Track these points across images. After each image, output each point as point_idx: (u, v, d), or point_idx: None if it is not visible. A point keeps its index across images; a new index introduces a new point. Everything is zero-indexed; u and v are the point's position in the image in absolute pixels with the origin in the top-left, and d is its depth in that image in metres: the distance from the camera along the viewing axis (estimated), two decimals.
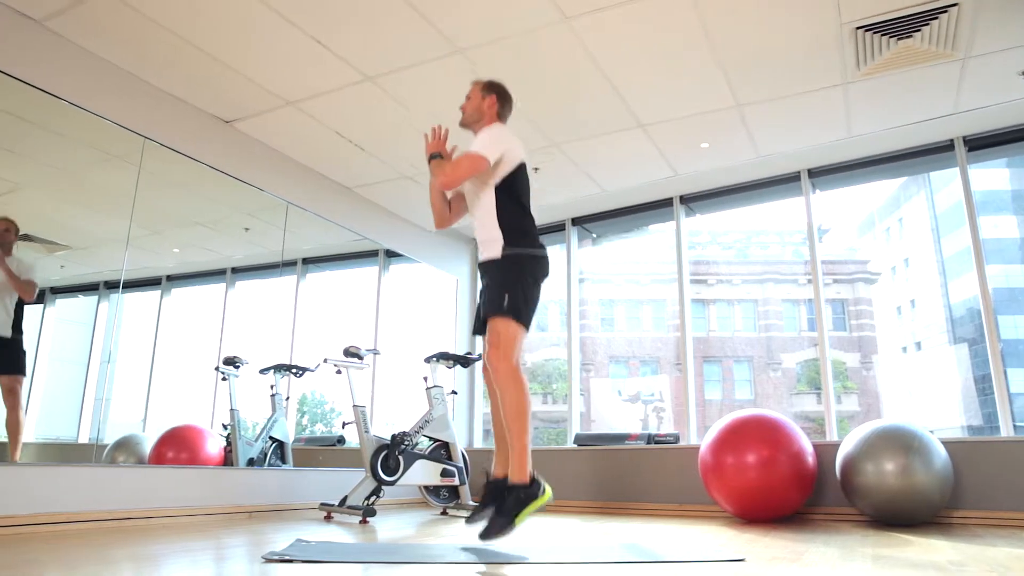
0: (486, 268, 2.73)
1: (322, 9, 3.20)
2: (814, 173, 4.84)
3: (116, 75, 3.67)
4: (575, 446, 5.27)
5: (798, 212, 4.90)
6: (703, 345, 14.98)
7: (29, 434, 4.94)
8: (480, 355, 5.55)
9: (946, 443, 3.70)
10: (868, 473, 3.58)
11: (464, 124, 2.89)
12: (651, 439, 4.99)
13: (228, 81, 3.80)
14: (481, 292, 2.79)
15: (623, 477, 4.93)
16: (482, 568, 2.13)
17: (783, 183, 4.97)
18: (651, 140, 4.42)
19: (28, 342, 4.09)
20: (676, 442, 4.92)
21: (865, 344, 14.24)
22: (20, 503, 3.00)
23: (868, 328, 14.45)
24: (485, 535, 2.20)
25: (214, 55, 3.57)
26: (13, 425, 3.74)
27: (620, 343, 15.29)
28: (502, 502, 2.27)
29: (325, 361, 4.10)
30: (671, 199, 5.35)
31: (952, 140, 4.42)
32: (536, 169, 4.82)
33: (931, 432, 3.69)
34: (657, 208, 5.49)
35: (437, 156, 2.77)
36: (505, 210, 2.66)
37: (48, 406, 4.81)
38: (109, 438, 4.73)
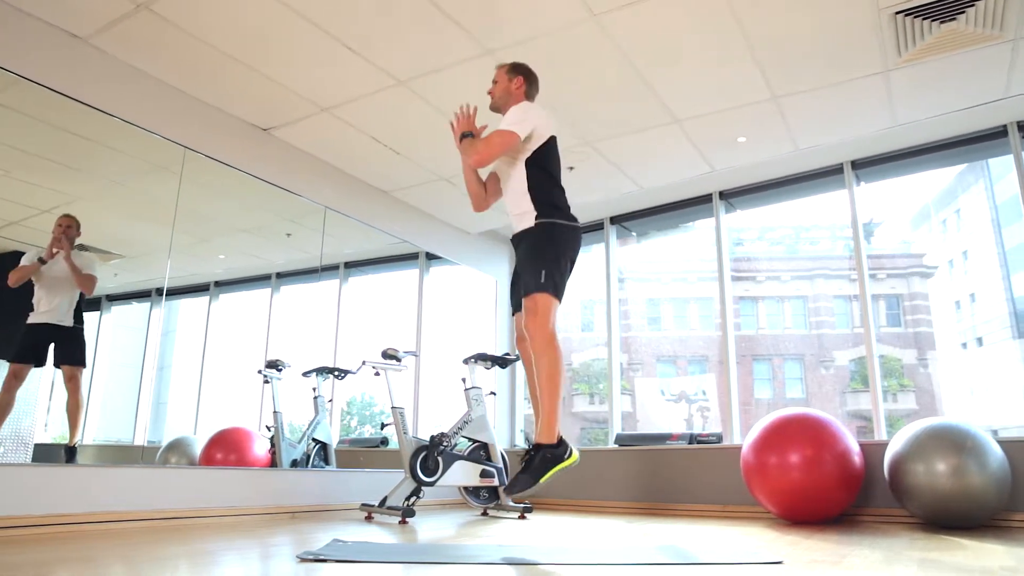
0: (519, 240, 2.77)
1: (353, 16, 3.24)
2: (858, 165, 4.70)
3: (157, 88, 3.79)
4: (616, 446, 5.23)
5: (847, 205, 4.75)
6: (752, 343, 14.69)
7: (88, 436, 5.15)
8: (518, 356, 5.56)
9: (1003, 443, 3.54)
10: (918, 474, 3.46)
11: (494, 108, 2.93)
12: (693, 439, 4.92)
13: (264, 90, 3.89)
14: (516, 267, 2.83)
15: (665, 478, 4.87)
16: (513, 569, 2.13)
17: (826, 176, 4.84)
18: (686, 136, 4.35)
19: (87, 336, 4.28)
20: (719, 442, 4.84)
21: (922, 340, 13.77)
22: (75, 502, 3.12)
23: (924, 324, 13.97)
24: (510, 489, 2.25)
25: (250, 65, 3.65)
26: (74, 408, 3.98)
27: (667, 342, 15.11)
28: (530, 460, 2.30)
29: (363, 363, 4.15)
30: (710, 195, 5.26)
31: (1005, 126, 4.23)
32: (571, 168, 4.80)
33: (990, 430, 3.55)
34: (696, 205, 5.40)
35: (468, 135, 2.80)
36: (536, 183, 2.71)
37: (106, 409, 5.00)
38: (166, 440, 4.92)
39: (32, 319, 3.95)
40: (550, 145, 2.78)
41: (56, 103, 3.42)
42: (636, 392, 13.35)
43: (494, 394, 5.02)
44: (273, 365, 4.64)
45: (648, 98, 3.92)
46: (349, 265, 5.93)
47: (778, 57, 3.53)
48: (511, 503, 4.48)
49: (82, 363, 4.09)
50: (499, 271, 6.41)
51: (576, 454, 2.38)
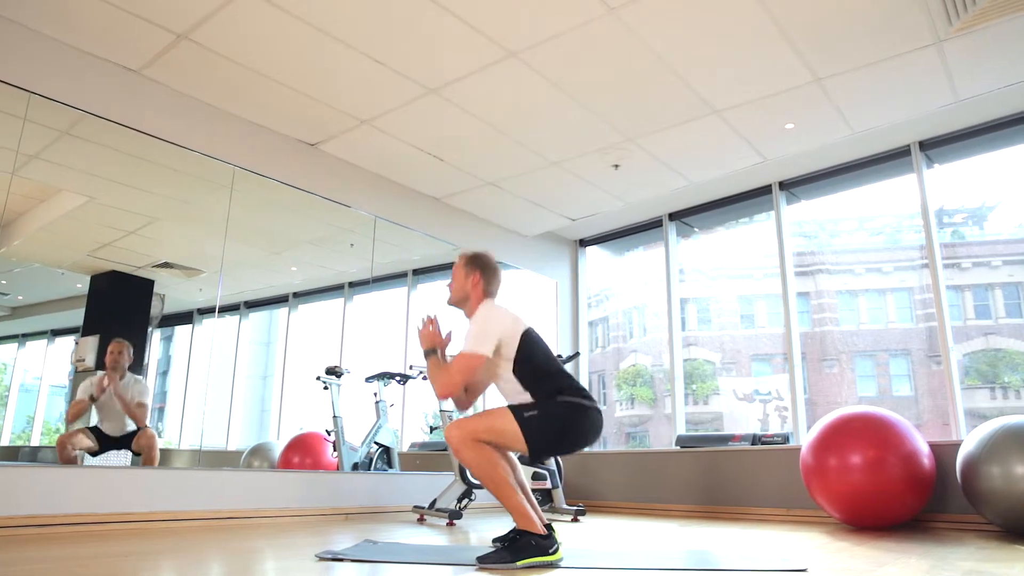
0: None
1: (376, 30, 3.33)
2: (926, 145, 4.37)
3: (208, 112, 4.03)
4: (678, 448, 5.08)
5: (951, 189, 4.41)
6: (854, 338, 13.90)
7: (185, 442, 5.53)
8: (576, 354, 5.51)
9: None
10: (993, 477, 3.17)
11: (451, 303, 2.72)
12: (756, 440, 4.71)
13: (304, 106, 4.05)
14: None
15: (728, 480, 4.69)
16: (526, 572, 2.12)
17: (892, 159, 4.53)
18: (729, 126, 4.18)
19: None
20: (784, 442, 4.61)
21: None
22: (140, 502, 3.35)
23: None
24: (484, 559, 2.19)
25: (286, 83, 3.82)
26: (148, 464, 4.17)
27: (764, 339, 14.52)
28: (514, 540, 2.25)
29: (410, 368, 4.23)
30: (769, 186, 5.03)
31: None
32: (616, 166, 4.72)
33: None
34: (757, 196, 5.19)
35: (432, 353, 2.59)
36: (536, 386, 2.45)
37: (201, 417, 5.33)
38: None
39: (96, 424, 4.23)
40: (526, 342, 2.48)
41: (121, 131, 3.69)
42: (725, 392, 12.90)
43: None
44: (332, 371, 4.80)
45: (681, 90, 3.80)
46: (417, 272, 6.08)
47: (812, 37, 3.33)
48: (565, 505, 4.45)
49: (146, 426, 4.29)
50: (560, 273, 6.38)
51: (561, 554, 2.28)
